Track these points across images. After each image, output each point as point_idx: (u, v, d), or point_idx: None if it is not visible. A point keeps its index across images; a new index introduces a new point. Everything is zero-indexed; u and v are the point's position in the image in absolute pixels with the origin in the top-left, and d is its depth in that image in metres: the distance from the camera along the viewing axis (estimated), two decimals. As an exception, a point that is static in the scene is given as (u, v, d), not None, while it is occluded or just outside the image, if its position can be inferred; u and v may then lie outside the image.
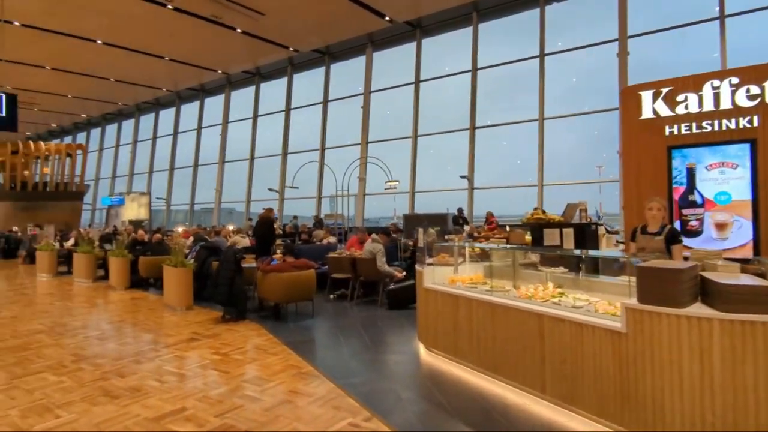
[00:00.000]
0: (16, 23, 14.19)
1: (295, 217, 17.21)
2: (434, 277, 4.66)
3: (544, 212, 5.54)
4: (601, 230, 5.73)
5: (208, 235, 10.84)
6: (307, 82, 19.65)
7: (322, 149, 17.94)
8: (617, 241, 7.04)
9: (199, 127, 23.22)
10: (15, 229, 19.90)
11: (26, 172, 23.63)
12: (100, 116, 28.09)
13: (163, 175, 24.71)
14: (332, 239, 9.66)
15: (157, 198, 24.30)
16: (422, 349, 4.87)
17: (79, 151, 25.06)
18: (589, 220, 5.75)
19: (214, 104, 22.98)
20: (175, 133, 24.41)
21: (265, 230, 8.27)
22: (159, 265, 8.12)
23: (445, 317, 4.40)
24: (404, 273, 7.30)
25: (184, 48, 16.98)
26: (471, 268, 4.90)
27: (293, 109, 19.52)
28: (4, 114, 8.27)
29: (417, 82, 15.83)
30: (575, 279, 4.09)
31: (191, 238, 11.20)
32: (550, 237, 5.06)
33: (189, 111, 24.15)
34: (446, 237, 6.17)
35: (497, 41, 15.15)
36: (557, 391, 3.32)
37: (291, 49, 17.13)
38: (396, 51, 16.93)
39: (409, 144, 15.76)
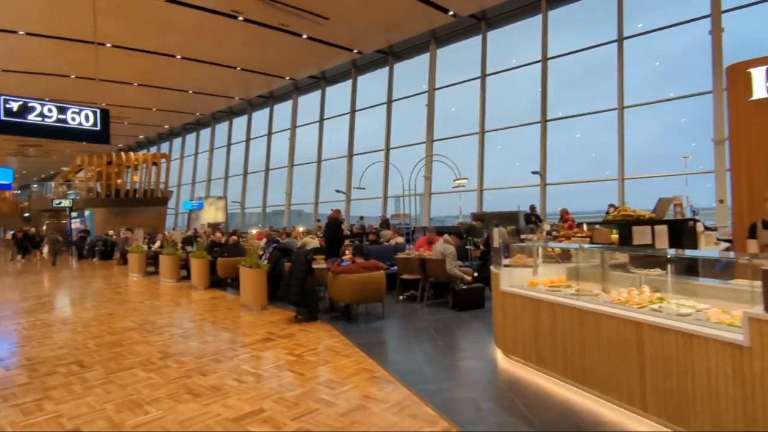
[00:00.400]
0: (108, 45, 15.50)
1: (362, 218, 17.35)
2: (512, 279, 4.38)
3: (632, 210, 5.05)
4: (699, 227, 5.14)
5: (280, 236, 11.16)
6: (371, 84, 19.78)
7: (387, 149, 17.95)
8: (718, 239, 6.31)
9: (270, 133, 24.16)
10: (110, 232, 21.78)
11: (119, 181, 25.79)
12: (180, 126, 30.12)
13: (238, 179, 26.01)
14: (400, 239, 9.56)
15: (232, 201, 25.60)
16: (499, 355, 4.61)
17: (163, 160, 26.96)
18: (683, 215, 5.18)
19: (282, 110, 23.84)
20: (248, 139, 25.59)
21: (333, 231, 8.34)
22: (235, 266, 8.46)
23: (525, 322, 4.12)
24: (474, 275, 7.01)
25: (254, 57, 17.70)
26: (551, 270, 4.57)
27: (358, 110, 19.72)
28: (98, 128, 8.97)
29: (483, 76, 15.35)
30: (676, 282, 3.64)
31: (264, 240, 11.61)
32: (641, 235, 4.58)
33: (260, 118, 25.23)
34: (522, 237, 5.83)
35: (569, 28, 14.34)
36: (662, 409, 2.95)
37: (355, 51, 17.29)
38: (460, 46, 16.56)
39: (475, 140, 15.33)
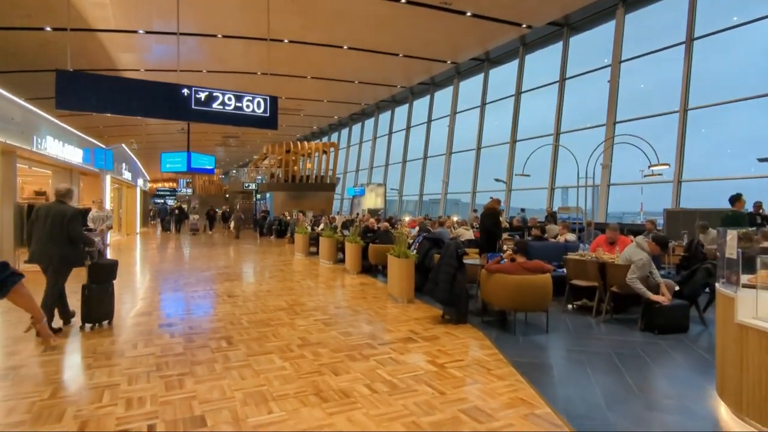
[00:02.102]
0: (285, 41, 16.79)
1: (523, 210, 15.84)
2: (759, 308, 2.93)
3: None
4: None
5: (432, 225, 10.58)
6: (541, 62, 17.88)
7: (557, 133, 15.99)
8: None
9: (429, 120, 23.87)
10: (285, 214, 24.14)
11: (295, 168, 28.47)
12: (347, 117, 31.90)
13: (397, 167, 26.44)
14: (570, 236, 8.10)
15: (391, 189, 26.14)
16: (725, 412, 3.20)
17: (332, 149, 28.93)
18: None
19: (442, 96, 23.30)
20: (408, 127, 25.74)
21: (490, 223, 7.38)
22: (385, 253, 8.12)
23: (780, 376, 2.69)
24: (667, 297, 5.28)
25: (416, 42, 17.36)
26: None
27: (524, 92, 18.03)
28: (268, 114, 9.50)
29: (689, 41, 12.41)
30: None
31: (416, 228, 11.17)
32: None
33: (420, 105, 25.13)
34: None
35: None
36: None
37: (524, 26, 15.67)
38: (654, 9, 13.72)
39: (671, 121, 12.55)
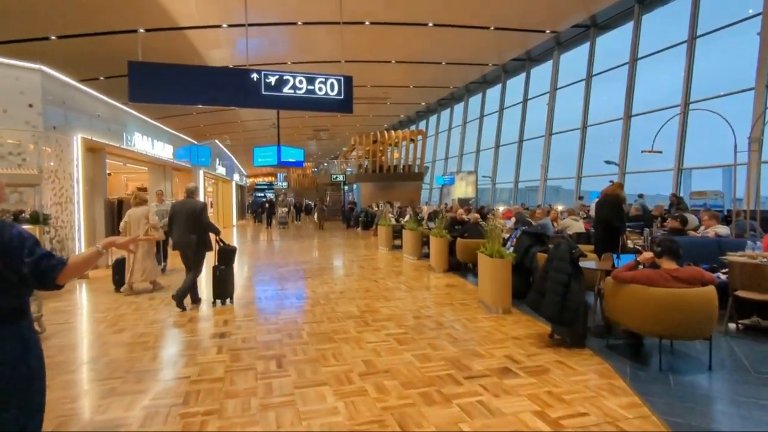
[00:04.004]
0: (366, 22, 15.91)
1: (641, 196, 13.43)
2: None
3: None
4: None
5: (532, 216, 9.02)
6: (662, 21, 15.06)
7: (685, 103, 13.27)
8: None
9: (525, 100, 21.68)
10: (373, 205, 23.57)
11: (383, 158, 27.82)
12: (435, 102, 30.48)
13: (489, 153, 24.59)
14: (722, 229, 6.13)
15: (483, 176, 24.38)
16: None
17: (419, 137, 27.79)
18: None
19: (540, 73, 20.99)
20: (501, 109, 23.72)
21: (611, 213, 5.76)
22: (475, 250, 6.85)
23: None
24: None
25: (509, 11, 15.48)
26: None
27: (641, 58, 15.34)
28: (342, 96, 8.64)
29: None
30: None
31: (513, 219, 9.68)
32: None
33: (514, 85, 22.99)
34: None
35: None
36: None
37: (642, -24, 13.16)
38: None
39: None
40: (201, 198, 9.76)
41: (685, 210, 10.51)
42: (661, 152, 8.32)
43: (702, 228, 6.77)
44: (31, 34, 13.74)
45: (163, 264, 8.56)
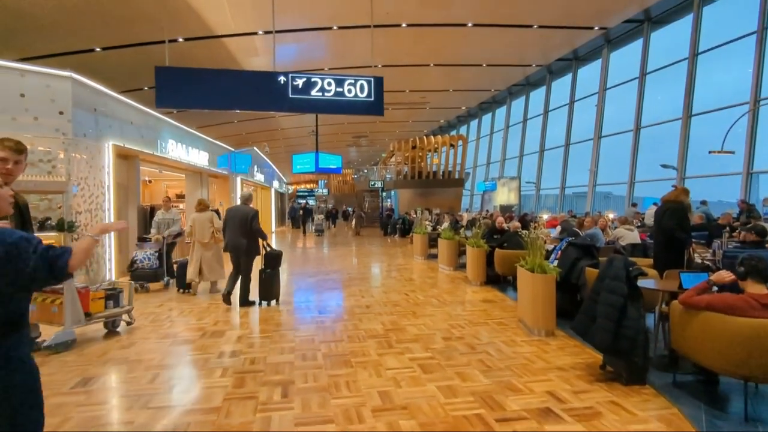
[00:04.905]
0: (403, 24, 15.49)
1: (704, 202, 12.20)
2: None
3: None
4: None
5: (580, 225, 8.22)
6: (726, 12, 13.78)
7: (755, 100, 11.96)
8: None
9: (572, 101, 20.57)
10: (411, 212, 23.02)
11: (422, 164, 27.26)
12: (476, 107, 29.65)
13: (533, 158, 23.54)
14: (812, 242, 5.20)
15: (527, 182, 23.34)
16: None
17: (460, 142, 27.05)
18: None
19: (588, 72, 19.87)
20: (546, 112, 22.67)
21: (674, 222, 4.98)
22: (515, 263, 6.20)
23: None
24: None
25: (554, 8, 14.61)
26: None
27: (702, 53, 14.08)
28: (372, 98, 8.21)
29: None
30: None
31: (558, 228, 8.93)
32: None
33: (560, 86, 21.91)
34: None
35: None
36: None
37: (702, -37, 12.03)
38: None
39: None
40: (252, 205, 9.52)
41: (757, 219, 9.38)
42: (733, 152, 7.34)
43: (783, 240, 5.80)
44: (76, 47, 14.22)
45: (166, 278, 8.11)
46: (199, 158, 13.43)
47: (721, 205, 13.48)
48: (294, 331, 5.24)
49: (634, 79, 16.64)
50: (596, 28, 16.57)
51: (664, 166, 13.79)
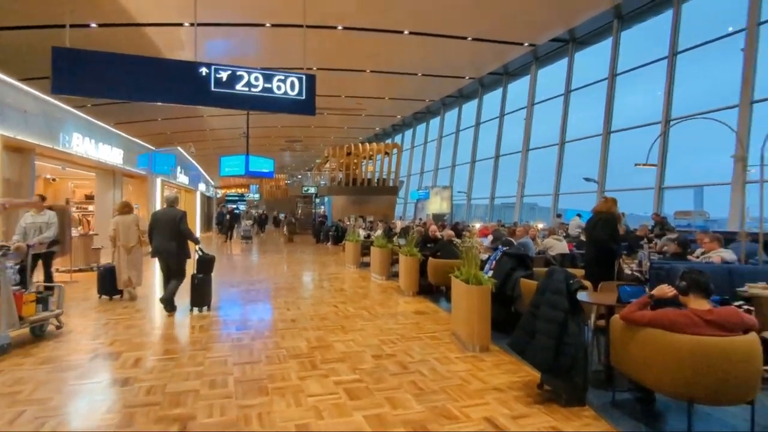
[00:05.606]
0: (339, 27, 15.11)
1: (623, 215, 12.87)
2: None
3: None
4: None
5: (512, 234, 8.21)
6: (642, 37, 14.80)
7: (666, 120, 12.85)
8: None
9: (502, 115, 21.23)
10: (344, 219, 22.56)
11: (357, 171, 26.92)
12: (411, 116, 29.89)
13: (465, 168, 24.05)
14: (727, 254, 5.39)
15: (458, 192, 23.77)
16: None
17: (394, 150, 27.06)
18: None
19: (518, 87, 20.64)
20: (477, 124, 23.26)
21: (606, 234, 4.97)
22: (448, 272, 5.95)
23: None
24: None
25: (487, 22, 14.92)
26: None
27: (620, 74, 15.01)
28: (303, 97, 7.70)
29: None
30: None
31: (490, 237, 8.88)
32: None
33: (491, 100, 22.59)
34: None
35: None
36: None
37: (621, -10, 12.79)
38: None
39: None
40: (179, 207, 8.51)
41: (671, 230, 9.94)
42: (656, 165, 7.69)
43: (699, 251, 6.04)
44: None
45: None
46: (112, 156, 12.13)
47: (635, 218, 14.35)
48: (204, 352, 4.59)
49: (560, 95, 17.43)
50: (526, 44, 17.18)
51: (586, 179, 14.46)
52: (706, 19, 12.71)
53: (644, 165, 7.46)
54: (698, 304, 2.81)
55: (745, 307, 3.77)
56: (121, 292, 7.28)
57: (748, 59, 10.98)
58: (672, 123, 12.52)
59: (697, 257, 5.75)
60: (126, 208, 7.51)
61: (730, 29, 11.91)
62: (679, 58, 12.97)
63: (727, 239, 6.38)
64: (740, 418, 3.04)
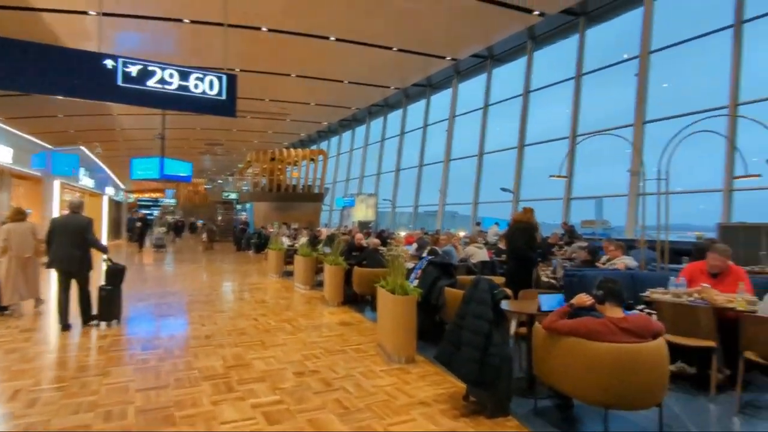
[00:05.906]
0: (264, 29, 14.63)
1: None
2: None
3: None
4: None
5: (436, 242, 8.33)
6: (553, 58, 15.92)
7: (573, 136, 13.89)
8: None
9: (425, 125, 21.81)
10: (267, 226, 21.77)
11: (281, 177, 26.18)
12: (336, 123, 29.77)
13: (390, 176, 24.33)
14: (630, 261, 5.87)
15: (383, 199, 23.97)
16: None
17: (320, 157, 26.71)
18: None
19: (440, 100, 21.31)
20: (402, 133, 23.68)
21: (523, 243, 5.16)
22: (374, 282, 5.85)
23: None
24: None
25: (412, 33, 15.24)
26: None
27: (533, 91, 16.02)
28: (224, 97, 7.26)
29: (739, 24, 10.44)
30: None
31: (415, 245, 8.94)
32: None
33: (415, 110, 23.12)
34: None
35: None
36: None
37: (536, 12, 13.65)
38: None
39: (721, 121, 10.50)
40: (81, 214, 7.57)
41: (578, 238, 10.66)
42: (566, 177, 8.20)
43: (605, 258, 6.50)
44: None
45: None
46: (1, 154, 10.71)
47: (546, 227, 15.33)
48: (102, 377, 4.07)
49: (479, 109, 18.23)
50: (448, 58, 17.79)
51: (503, 189, 15.19)
52: (609, 46, 13.96)
53: (558, 176, 7.95)
54: (613, 312, 2.94)
55: (647, 311, 4.06)
56: (5, 309, 6.47)
57: (641, 83, 12.18)
58: (579, 139, 13.54)
59: (603, 264, 6.17)
60: (19, 215, 6.83)
61: (625, 56, 13.18)
62: (584, 79, 14.11)
63: (629, 246, 6.96)
64: (650, 419, 3.23)
